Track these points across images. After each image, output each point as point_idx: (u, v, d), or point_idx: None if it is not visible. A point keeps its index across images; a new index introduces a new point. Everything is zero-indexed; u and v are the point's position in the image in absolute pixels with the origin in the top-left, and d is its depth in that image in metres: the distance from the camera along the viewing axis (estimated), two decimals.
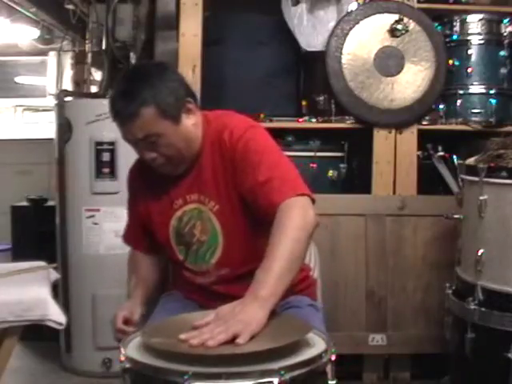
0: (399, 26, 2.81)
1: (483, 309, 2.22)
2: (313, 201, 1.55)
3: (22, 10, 4.35)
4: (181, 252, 1.74)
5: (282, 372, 1.14)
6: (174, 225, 1.72)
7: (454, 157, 2.78)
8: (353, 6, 2.87)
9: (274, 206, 1.50)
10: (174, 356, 1.21)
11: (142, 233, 1.84)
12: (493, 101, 2.89)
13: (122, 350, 1.28)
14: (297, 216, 1.47)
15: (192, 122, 1.65)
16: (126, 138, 1.63)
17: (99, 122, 2.94)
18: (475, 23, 2.91)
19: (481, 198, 2.22)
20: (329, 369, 1.25)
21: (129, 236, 1.90)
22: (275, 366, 1.16)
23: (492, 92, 2.89)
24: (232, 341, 1.26)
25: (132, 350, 1.29)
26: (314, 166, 2.83)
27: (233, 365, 1.18)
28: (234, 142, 1.62)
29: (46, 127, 5.50)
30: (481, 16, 2.91)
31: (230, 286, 1.67)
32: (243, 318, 1.31)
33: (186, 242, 1.72)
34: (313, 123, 2.93)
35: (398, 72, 2.84)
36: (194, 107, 1.66)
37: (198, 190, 1.68)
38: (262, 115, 2.83)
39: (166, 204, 1.73)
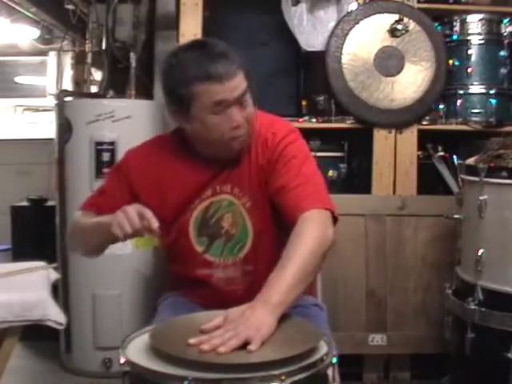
0: (399, 26, 2.81)
1: (483, 309, 2.22)
2: (335, 219, 1.56)
3: (22, 10, 4.35)
4: (201, 243, 1.70)
5: (283, 377, 1.13)
6: (199, 216, 1.69)
7: (454, 157, 2.78)
8: (353, 6, 2.87)
9: (299, 211, 1.51)
10: (182, 361, 1.19)
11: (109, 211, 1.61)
12: (493, 101, 2.89)
13: (122, 352, 1.26)
14: (316, 229, 1.48)
15: None
16: (223, 99, 1.55)
17: (99, 122, 2.94)
18: (475, 23, 2.91)
19: (481, 198, 2.22)
20: (330, 371, 1.24)
21: (93, 207, 1.71)
22: (276, 371, 1.15)
23: (492, 92, 2.89)
24: (243, 346, 1.24)
25: (132, 353, 1.28)
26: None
27: (236, 371, 1.16)
28: (276, 143, 1.63)
29: (46, 127, 5.50)
30: (481, 16, 2.90)
31: (251, 284, 1.64)
32: (254, 323, 1.29)
33: (210, 233, 1.69)
34: (313, 123, 2.92)
35: (398, 72, 2.84)
36: None
37: (232, 181, 1.67)
38: None
39: (188, 194, 1.68)
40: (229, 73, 1.54)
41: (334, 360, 1.25)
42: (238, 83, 1.56)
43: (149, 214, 1.44)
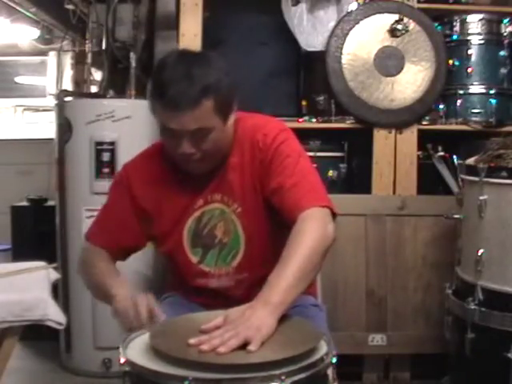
0: (399, 26, 2.81)
1: (483, 309, 2.22)
2: (334, 215, 1.54)
3: (22, 10, 4.36)
4: (196, 254, 1.68)
5: (283, 377, 1.13)
6: (192, 226, 1.67)
7: (454, 157, 2.78)
8: (353, 6, 2.87)
9: (298, 210, 1.49)
10: (182, 362, 1.19)
11: (119, 236, 1.70)
12: (493, 101, 2.89)
13: (123, 352, 1.26)
14: (316, 228, 1.46)
15: (232, 121, 1.61)
16: (169, 127, 1.50)
17: (99, 122, 2.94)
18: (475, 23, 2.91)
19: (481, 198, 2.22)
20: (330, 371, 1.24)
21: (103, 238, 1.71)
22: (277, 371, 1.14)
23: (492, 92, 2.89)
24: (242, 347, 1.24)
25: (132, 353, 1.27)
26: (314, 166, 2.82)
27: (236, 371, 1.16)
28: (268, 143, 1.60)
29: (46, 127, 5.50)
30: (481, 16, 2.91)
31: (247, 291, 1.63)
32: (254, 323, 1.28)
33: (204, 243, 1.67)
34: (313, 123, 2.92)
35: (398, 72, 2.84)
36: (236, 106, 1.61)
37: (222, 190, 1.64)
38: None
39: (182, 204, 1.66)
40: (184, 104, 1.45)
41: (334, 360, 1.25)
42: (192, 118, 1.47)
43: (158, 312, 1.41)
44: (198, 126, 1.49)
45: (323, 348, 1.27)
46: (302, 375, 1.16)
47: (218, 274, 1.69)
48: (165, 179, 1.68)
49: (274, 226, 1.63)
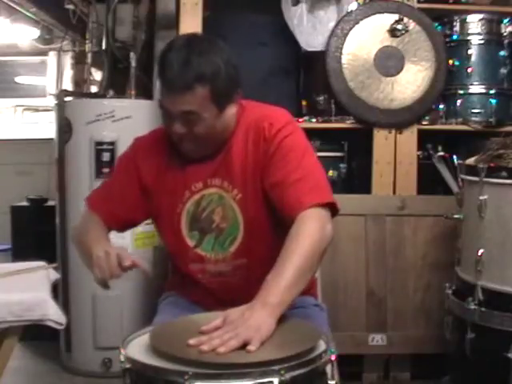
0: (399, 26, 2.81)
1: (483, 309, 2.22)
2: (336, 211, 1.55)
3: (22, 10, 4.36)
4: (192, 238, 1.68)
5: (282, 372, 1.14)
6: (190, 209, 1.67)
7: (454, 157, 2.78)
8: (353, 6, 2.88)
9: (298, 207, 1.49)
10: (181, 361, 1.19)
11: (117, 205, 1.70)
12: (493, 101, 2.89)
13: (122, 350, 1.26)
14: (315, 229, 1.46)
15: (233, 112, 1.62)
16: (164, 106, 1.56)
17: (99, 122, 2.94)
18: (475, 23, 2.91)
19: (481, 197, 2.22)
20: (329, 369, 1.24)
21: (101, 206, 1.72)
22: (275, 366, 1.15)
23: (492, 92, 2.90)
24: (242, 347, 1.24)
25: (132, 350, 1.28)
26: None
27: (235, 370, 1.17)
28: (273, 134, 1.59)
29: (46, 127, 5.50)
30: (481, 16, 2.91)
31: (244, 277, 1.64)
32: (253, 324, 1.29)
33: (202, 227, 1.67)
34: (313, 123, 2.92)
35: (398, 72, 2.85)
36: (238, 97, 1.63)
37: (222, 175, 1.64)
38: None
39: (181, 186, 1.66)
40: (177, 86, 1.50)
41: (333, 357, 1.25)
42: (184, 100, 1.51)
43: (127, 261, 1.43)
44: (189, 109, 1.52)
45: (322, 346, 1.28)
46: (301, 371, 1.17)
47: (215, 259, 1.68)
48: (168, 157, 1.69)
49: (273, 215, 1.62)
